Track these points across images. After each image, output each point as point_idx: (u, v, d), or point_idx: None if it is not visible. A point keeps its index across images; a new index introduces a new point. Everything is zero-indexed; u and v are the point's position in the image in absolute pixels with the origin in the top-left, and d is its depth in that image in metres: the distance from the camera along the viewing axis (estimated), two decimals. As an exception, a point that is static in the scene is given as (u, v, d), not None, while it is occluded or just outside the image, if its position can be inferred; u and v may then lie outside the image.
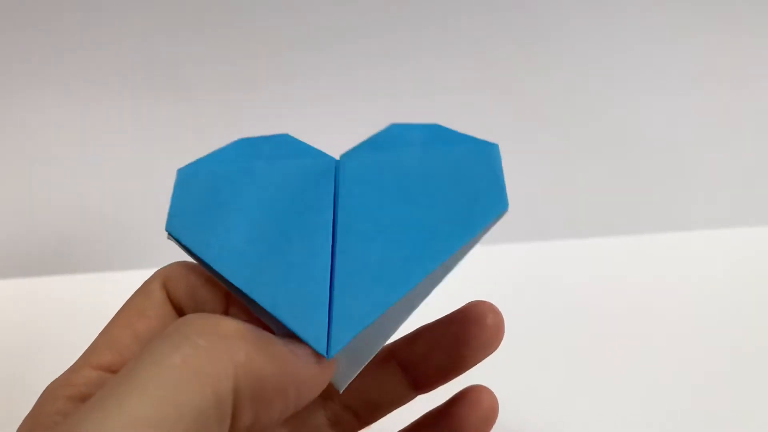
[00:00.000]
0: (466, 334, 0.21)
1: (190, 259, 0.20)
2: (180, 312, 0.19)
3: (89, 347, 0.18)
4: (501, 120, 0.45)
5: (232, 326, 0.15)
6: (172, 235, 0.19)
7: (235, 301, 0.20)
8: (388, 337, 0.19)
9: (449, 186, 0.19)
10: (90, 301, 0.40)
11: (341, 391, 0.19)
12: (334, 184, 0.19)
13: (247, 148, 0.21)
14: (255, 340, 0.15)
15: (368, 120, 0.44)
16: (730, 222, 0.45)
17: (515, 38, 0.43)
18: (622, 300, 0.40)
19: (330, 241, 0.18)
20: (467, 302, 0.21)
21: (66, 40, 0.42)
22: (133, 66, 0.43)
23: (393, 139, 0.20)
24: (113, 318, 0.19)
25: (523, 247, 0.43)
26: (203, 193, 0.19)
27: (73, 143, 0.45)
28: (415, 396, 0.22)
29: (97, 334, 0.19)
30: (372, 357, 0.19)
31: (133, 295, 0.19)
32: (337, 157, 0.20)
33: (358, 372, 0.19)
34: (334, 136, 0.44)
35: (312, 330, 0.17)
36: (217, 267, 0.18)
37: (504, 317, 0.21)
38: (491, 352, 0.21)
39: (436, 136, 0.20)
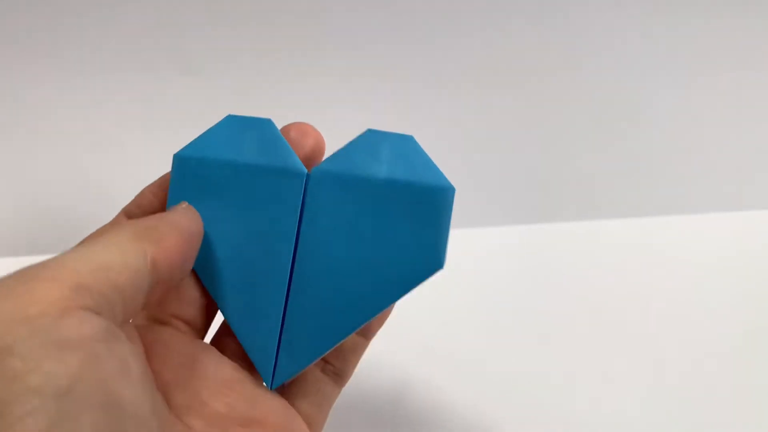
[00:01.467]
0: None
1: None
2: None
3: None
4: (503, 103, 0.45)
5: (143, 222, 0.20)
6: None
7: None
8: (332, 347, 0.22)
9: (400, 229, 0.21)
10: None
11: (271, 389, 0.22)
12: (301, 203, 0.22)
13: (234, 133, 0.23)
14: (163, 226, 0.20)
15: (371, 94, 0.44)
16: (736, 205, 0.44)
17: (520, 21, 0.42)
18: (624, 283, 0.40)
19: (288, 273, 0.22)
20: None
21: (70, 14, 0.41)
22: (138, 40, 0.42)
23: (364, 153, 0.22)
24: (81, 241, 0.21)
25: (525, 229, 0.43)
26: (194, 186, 0.22)
27: (77, 119, 0.44)
28: (338, 389, 0.24)
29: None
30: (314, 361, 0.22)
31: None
32: (308, 170, 0.22)
33: (296, 374, 0.22)
34: (340, 111, 0.44)
35: (262, 361, 0.22)
36: (200, 274, 0.22)
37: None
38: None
39: (404, 157, 0.22)
